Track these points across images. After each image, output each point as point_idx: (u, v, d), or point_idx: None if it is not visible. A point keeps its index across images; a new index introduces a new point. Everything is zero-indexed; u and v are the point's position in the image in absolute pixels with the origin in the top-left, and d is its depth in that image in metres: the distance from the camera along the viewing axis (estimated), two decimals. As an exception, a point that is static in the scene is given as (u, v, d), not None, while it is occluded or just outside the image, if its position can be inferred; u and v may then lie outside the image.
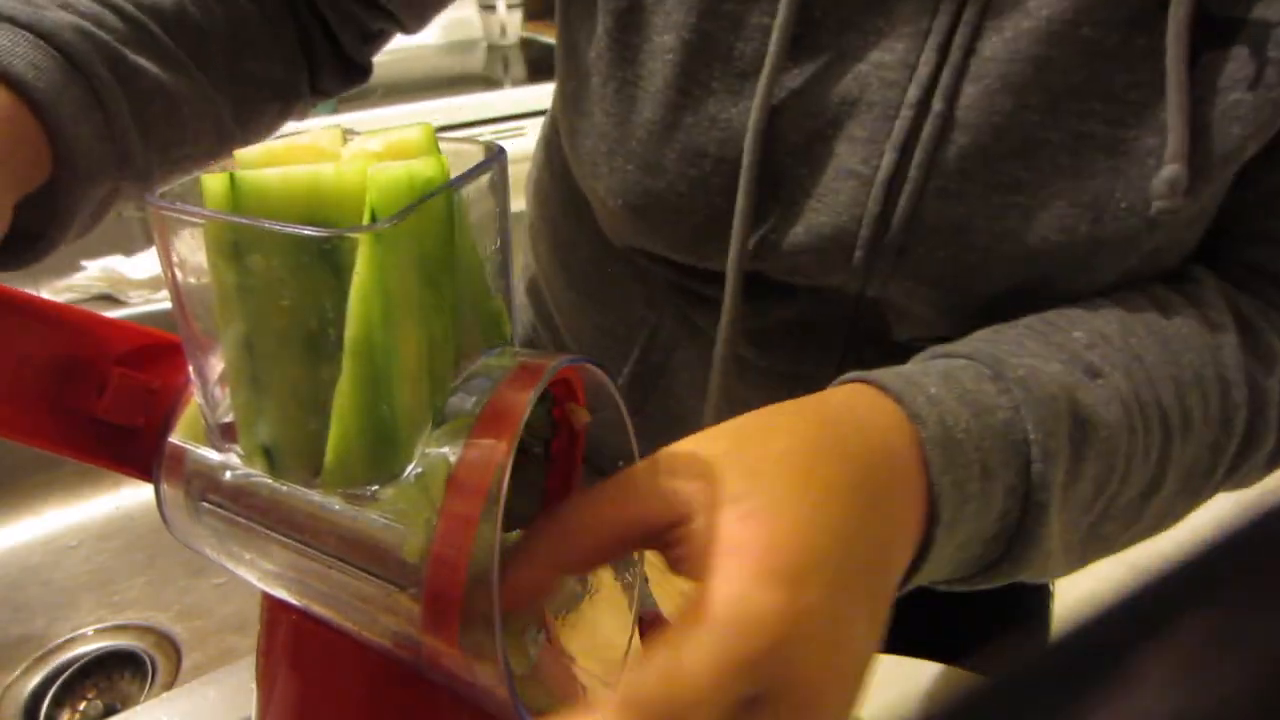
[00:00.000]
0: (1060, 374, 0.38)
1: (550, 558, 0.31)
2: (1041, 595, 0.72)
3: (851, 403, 0.35)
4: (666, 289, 0.56)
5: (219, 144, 0.51)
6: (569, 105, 0.53)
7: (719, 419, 0.38)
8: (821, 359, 0.52)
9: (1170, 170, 0.39)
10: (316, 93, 0.59)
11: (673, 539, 0.30)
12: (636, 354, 0.60)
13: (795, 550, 0.29)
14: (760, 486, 0.30)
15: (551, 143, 0.64)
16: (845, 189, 0.44)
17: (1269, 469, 0.46)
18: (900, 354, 0.41)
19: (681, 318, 0.57)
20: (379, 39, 0.60)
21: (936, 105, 0.42)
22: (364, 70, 0.61)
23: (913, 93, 0.42)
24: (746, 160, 0.45)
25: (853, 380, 0.37)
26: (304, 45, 0.56)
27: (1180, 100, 0.38)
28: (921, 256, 0.44)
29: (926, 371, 0.36)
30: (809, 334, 0.51)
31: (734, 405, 0.41)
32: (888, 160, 0.43)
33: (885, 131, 0.43)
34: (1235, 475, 0.44)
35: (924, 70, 0.42)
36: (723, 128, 0.45)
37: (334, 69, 0.59)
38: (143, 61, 0.45)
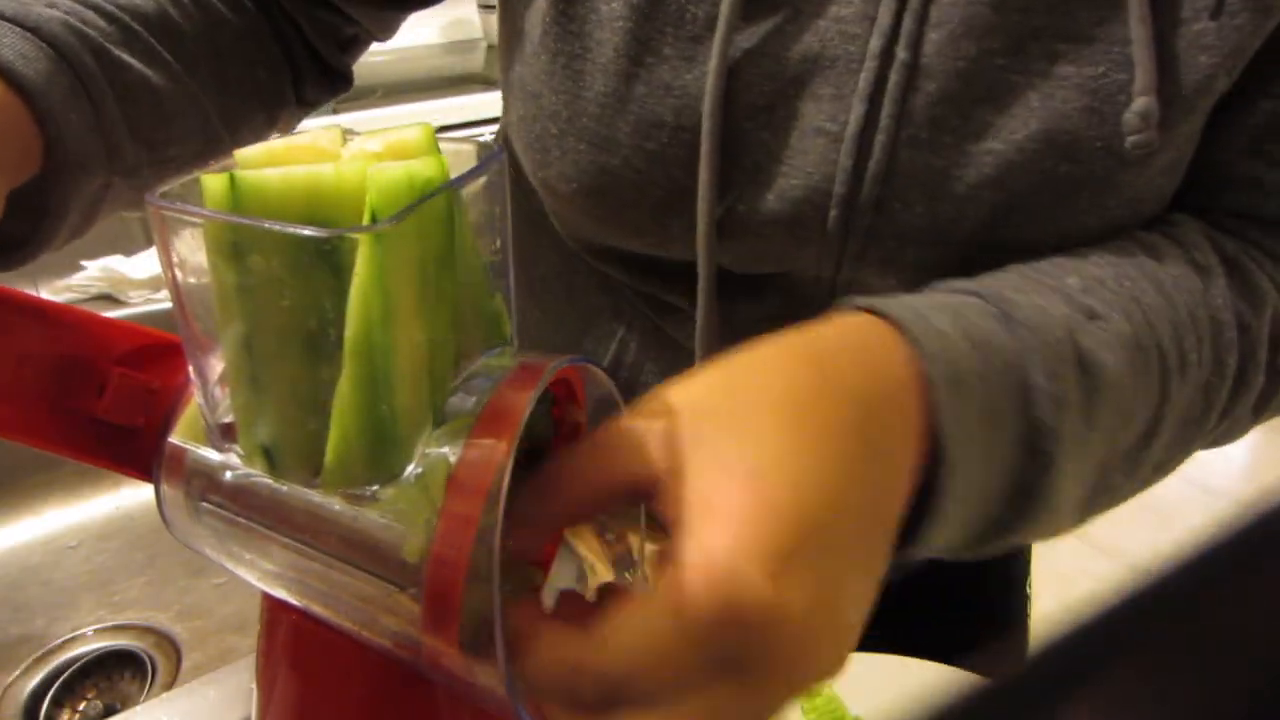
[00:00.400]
0: (1065, 318, 0.37)
1: (538, 515, 0.31)
2: (1019, 599, 0.71)
3: (852, 335, 0.34)
4: (633, 298, 0.55)
5: (206, 146, 0.51)
6: (515, 93, 0.51)
7: None
8: None
9: (1141, 103, 0.39)
10: (302, 102, 0.59)
11: (658, 491, 0.30)
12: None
13: (786, 522, 0.27)
14: (750, 442, 0.29)
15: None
16: (814, 148, 0.43)
17: (1256, 417, 0.45)
18: None
19: (650, 327, 0.56)
20: (355, 45, 0.60)
21: (901, 54, 0.41)
22: (345, 78, 0.61)
23: (875, 43, 0.41)
24: (706, 126, 0.43)
25: (854, 308, 0.35)
26: (284, 52, 0.56)
27: (1144, 34, 0.38)
28: (898, 213, 0.43)
29: (933, 304, 0.35)
30: (780, 330, 0.50)
31: None
32: (856, 113, 0.42)
33: (851, 85, 0.42)
34: (1226, 421, 0.44)
35: (885, 19, 0.41)
36: (678, 95, 0.44)
37: (316, 78, 0.59)
38: (127, 57, 0.45)
